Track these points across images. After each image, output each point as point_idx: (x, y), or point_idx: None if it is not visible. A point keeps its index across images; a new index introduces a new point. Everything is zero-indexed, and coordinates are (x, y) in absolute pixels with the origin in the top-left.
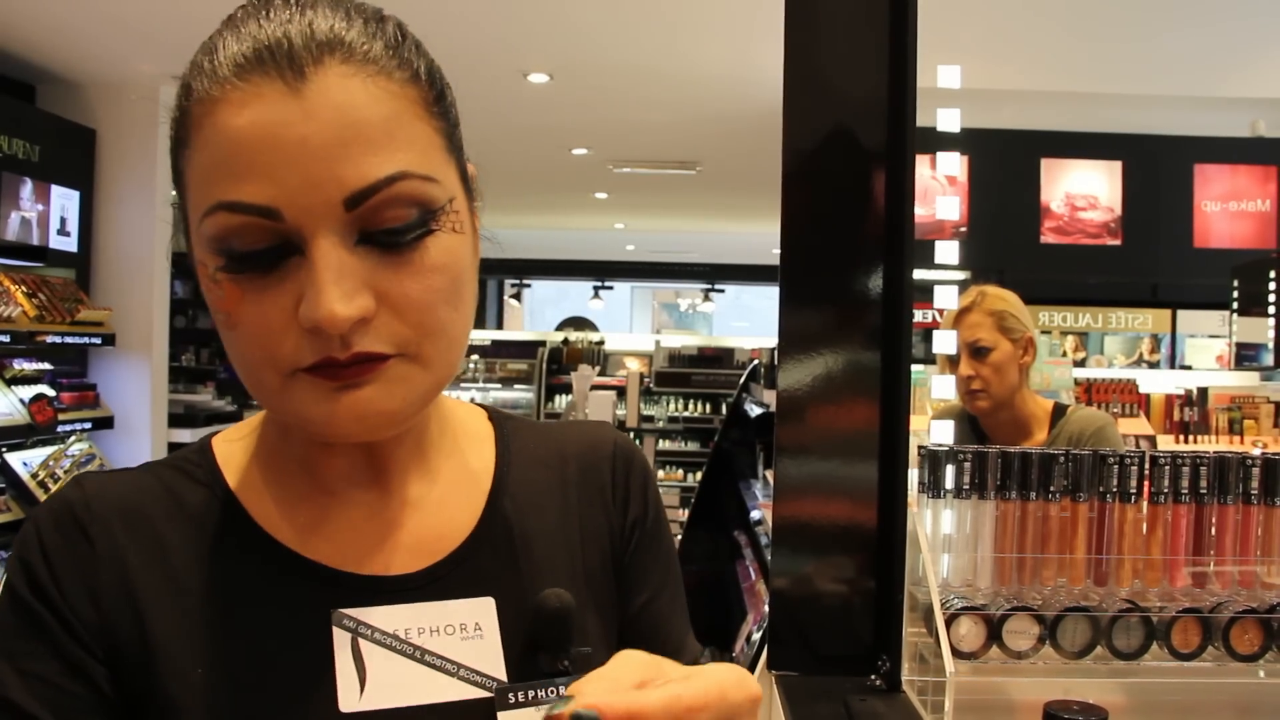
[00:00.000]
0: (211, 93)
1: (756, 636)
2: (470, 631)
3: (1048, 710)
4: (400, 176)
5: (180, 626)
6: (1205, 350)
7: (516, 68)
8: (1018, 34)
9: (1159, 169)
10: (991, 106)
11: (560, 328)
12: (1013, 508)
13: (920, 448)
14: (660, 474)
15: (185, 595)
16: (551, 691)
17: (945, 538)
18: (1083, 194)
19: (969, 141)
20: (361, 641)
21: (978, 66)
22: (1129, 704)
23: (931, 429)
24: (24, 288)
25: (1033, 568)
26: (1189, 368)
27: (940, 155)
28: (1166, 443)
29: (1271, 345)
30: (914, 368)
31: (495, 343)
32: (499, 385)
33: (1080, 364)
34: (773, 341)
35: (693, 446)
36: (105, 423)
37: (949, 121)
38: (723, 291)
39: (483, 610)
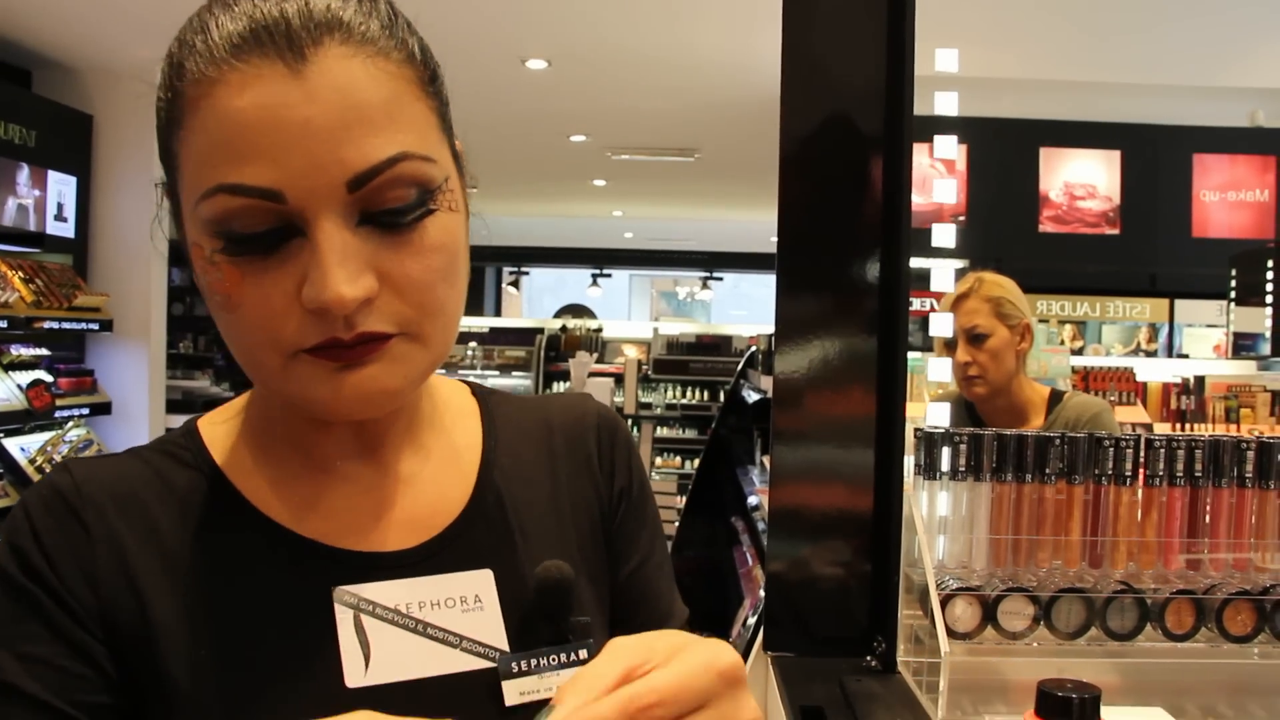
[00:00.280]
0: (208, 73)
1: (752, 621)
2: (470, 604)
3: (1041, 688)
4: (402, 157)
5: (181, 609)
6: (1203, 340)
7: (515, 54)
8: (1017, 22)
9: (1158, 158)
10: (990, 95)
11: (558, 315)
12: (1008, 490)
13: (916, 430)
14: (658, 461)
15: (184, 577)
16: (554, 659)
17: (941, 520)
18: (1081, 183)
19: (968, 130)
20: (364, 617)
21: (976, 55)
22: (1123, 684)
23: (928, 412)
24: (21, 273)
25: (1028, 550)
26: (1186, 356)
27: (938, 139)
28: (1163, 431)
29: (1269, 335)
30: (910, 355)
31: (493, 330)
32: (497, 372)
33: (1078, 353)
34: (771, 328)
35: (690, 434)
36: (103, 409)
37: (947, 105)
38: (721, 279)
39: (482, 582)
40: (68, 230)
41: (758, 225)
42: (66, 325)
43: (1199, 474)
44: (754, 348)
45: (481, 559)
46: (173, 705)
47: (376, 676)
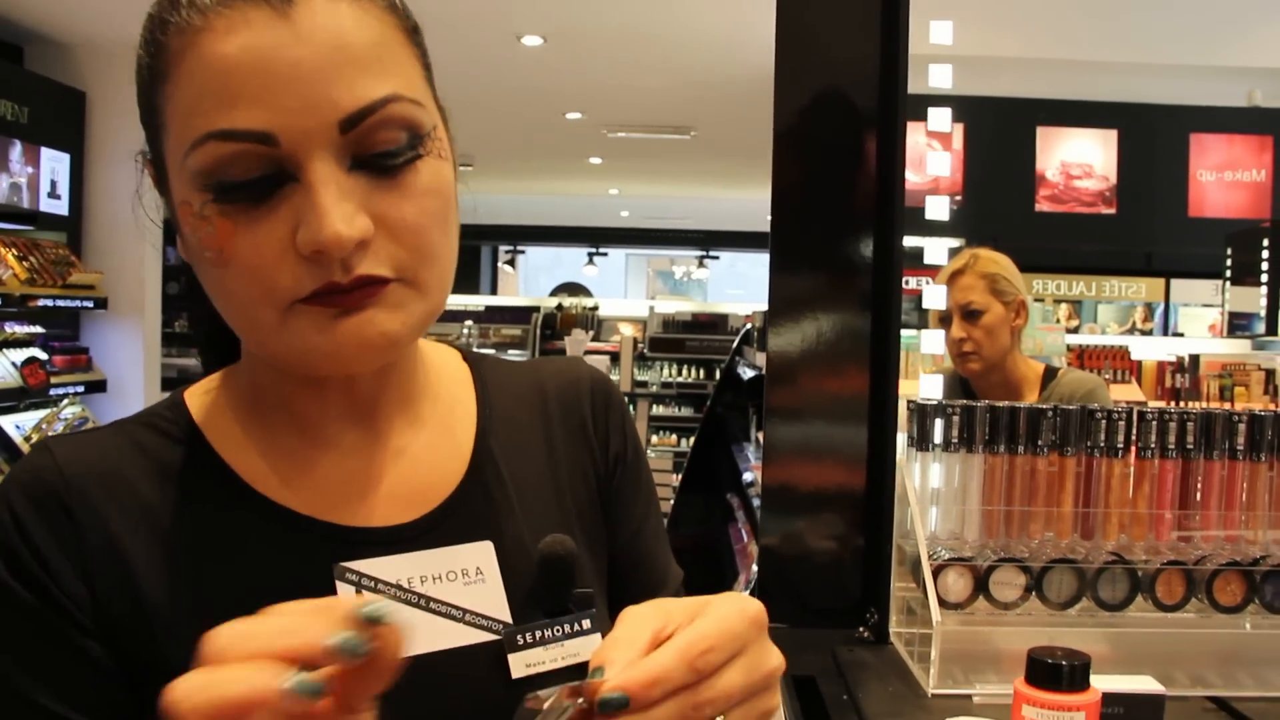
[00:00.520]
0: (193, 22)
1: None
2: (472, 576)
3: (1032, 656)
4: (392, 98)
5: (176, 590)
6: (1198, 319)
7: (510, 30)
8: (1014, 0)
9: (1155, 138)
10: (987, 74)
11: (554, 293)
12: (1000, 462)
13: (910, 402)
14: (653, 439)
15: (176, 558)
16: (558, 630)
17: (933, 491)
18: (1078, 162)
19: (964, 109)
20: (366, 594)
21: (974, 33)
22: (1113, 654)
23: (921, 383)
24: (15, 251)
25: (1020, 521)
26: (1181, 335)
27: (932, 111)
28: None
29: (1264, 314)
30: (904, 333)
31: (489, 308)
32: (493, 350)
33: (1073, 331)
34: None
35: (686, 411)
36: (98, 386)
37: (941, 78)
38: (717, 259)
39: (482, 554)
40: (61, 208)
41: (754, 204)
42: (61, 303)
43: (1191, 446)
44: (750, 325)
45: (481, 531)
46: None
47: None
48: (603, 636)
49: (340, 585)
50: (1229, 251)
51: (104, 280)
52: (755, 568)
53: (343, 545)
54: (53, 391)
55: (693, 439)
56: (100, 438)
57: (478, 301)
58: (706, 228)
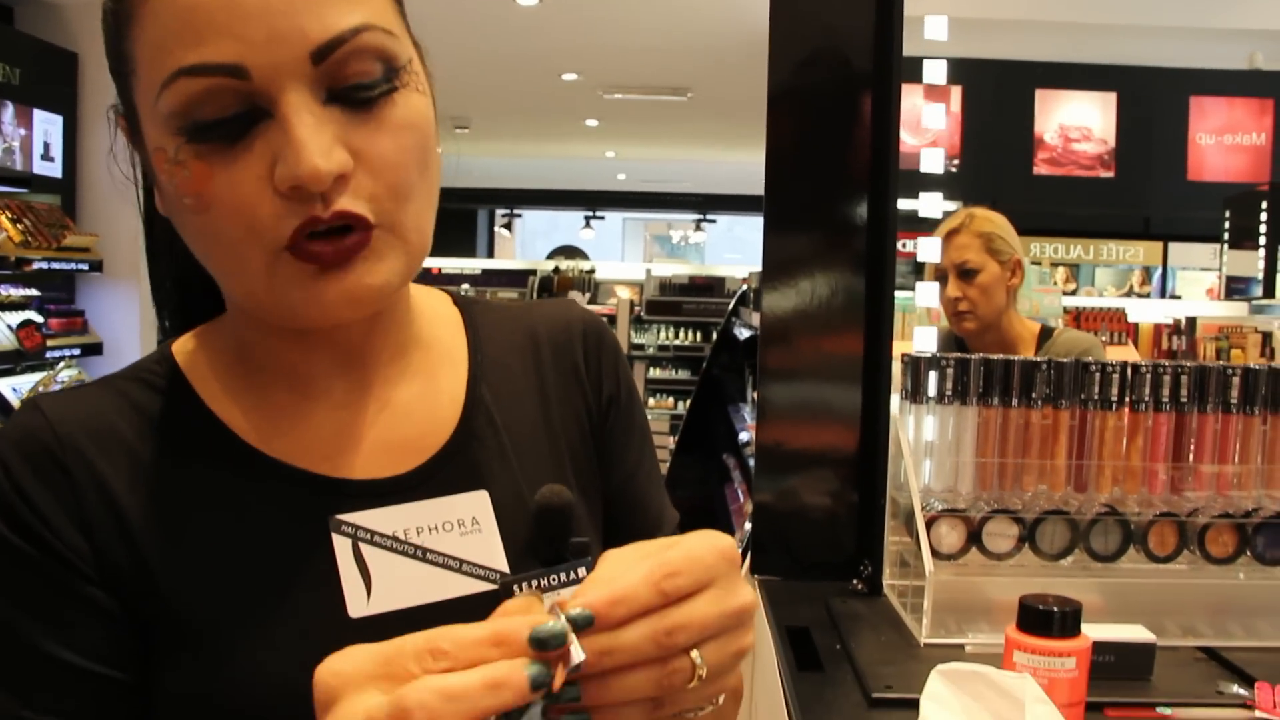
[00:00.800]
0: None
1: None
2: (468, 526)
3: (1023, 603)
4: (364, 28)
5: (175, 545)
6: (1196, 283)
7: None
8: None
9: (1154, 101)
10: (985, 36)
11: (551, 256)
12: (994, 414)
13: (904, 355)
14: (650, 402)
15: (173, 512)
16: (554, 579)
17: (927, 444)
18: (1076, 125)
19: (962, 71)
20: (363, 546)
21: None
22: (1105, 604)
23: (915, 337)
24: (8, 213)
25: (1014, 473)
26: (1178, 298)
27: (927, 63)
28: None
29: (1261, 277)
30: (898, 294)
31: (486, 272)
32: None
33: (1071, 294)
34: None
35: (683, 374)
36: (94, 349)
37: (936, 29)
38: (714, 222)
39: (478, 504)
40: (55, 170)
41: (752, 166)
42: (56, 265)
43: (1184, 400)
44: (746, 286)
45: (476, 479)
46: (172, 644)
47: (379, 605)
48: None
49: (336, 538)
50: (1227, 215)
51: (99, 243)
52: (749, 525)
53: (337, 497)
54: (49, 354)
55: (689, 401)
56: (90, 394)
57: (474, 265)
58: (704, 191)
